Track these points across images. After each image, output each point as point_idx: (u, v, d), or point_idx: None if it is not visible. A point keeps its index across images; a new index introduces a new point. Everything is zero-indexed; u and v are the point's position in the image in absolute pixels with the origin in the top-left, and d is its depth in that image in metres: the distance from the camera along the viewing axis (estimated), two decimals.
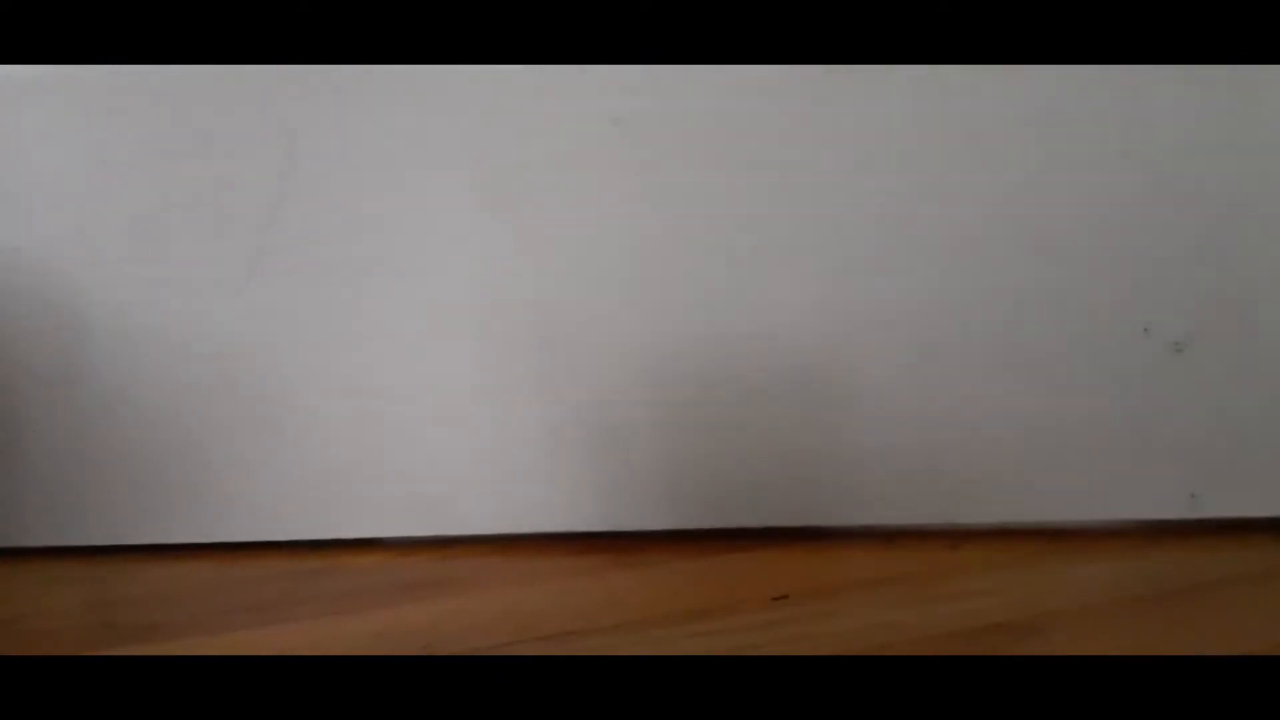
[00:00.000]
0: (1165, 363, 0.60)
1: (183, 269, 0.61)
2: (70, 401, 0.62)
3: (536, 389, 0.61)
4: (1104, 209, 0.59)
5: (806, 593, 0.55)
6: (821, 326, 0.60)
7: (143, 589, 0.59)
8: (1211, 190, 0.59)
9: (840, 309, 0.60)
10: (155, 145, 0.60)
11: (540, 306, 0.61)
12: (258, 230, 0.60)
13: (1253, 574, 0.56)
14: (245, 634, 0.53)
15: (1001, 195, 0.59)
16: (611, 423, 0.62)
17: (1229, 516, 0.61)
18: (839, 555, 0.60)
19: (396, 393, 0.61)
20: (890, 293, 0.60)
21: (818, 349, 0.60)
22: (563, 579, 0.58)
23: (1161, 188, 0.59)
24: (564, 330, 0.61)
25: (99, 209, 0.60)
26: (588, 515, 0.63)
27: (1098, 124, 0.58)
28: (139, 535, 0.63)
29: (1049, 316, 0.60)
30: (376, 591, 0.58)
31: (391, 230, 0.60)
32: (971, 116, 0.58)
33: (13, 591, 0.60)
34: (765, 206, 0.59)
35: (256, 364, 0.62)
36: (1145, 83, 0.58)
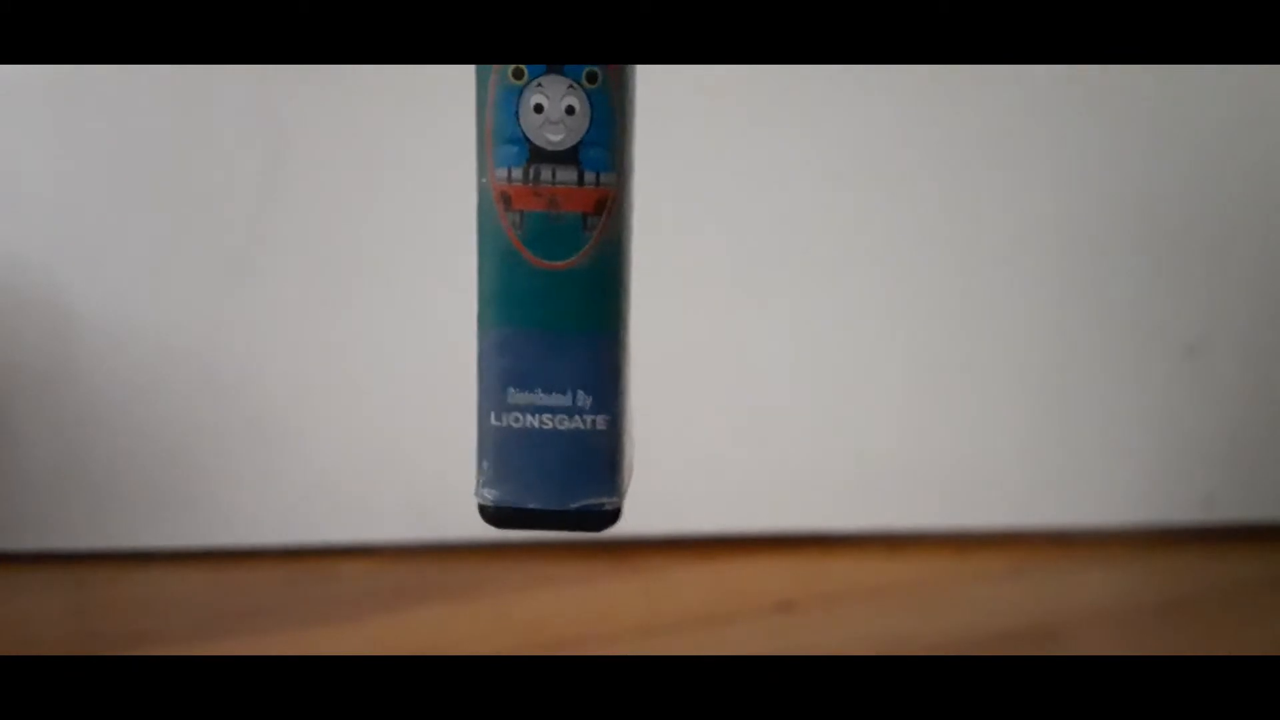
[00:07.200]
0: (1179, 365, 0.60)
1: (172, 270, 0.60)
2: (57, 404, 0.62)
3: None
4: (1117, 211, 0.59)
5: (811, 600, 0.55)
6: (825, 327, 0.60)
7: (130, 595, 0.59)
8: (1225, 192, 0.59)
9: (845, 309, 0.60)
10: (145, 145, 0.60)
11: None
12: (248, 231, 0.60)
13: (1270, 577, 0.56)
14: (235, 641, 0.53)
15: (1013, 197, 0.59)
16: None
17: (1246, 519, 0.61)
18: (844, 562, 0.60)
19: (389, 396, 0.61)
20: (898, 294, 0.60)
21: (820, 350, 0.60)
22: (560, 586, 0.58)
23: (1175, 190, 0.59)
24: None
25: (88, 209, 0.60)
26: None
27: (1110, 125, 0.58)
28: (127, 541, 0.63)
29: (1061, 319, 0.60)
30: (371, 598, 0.57)
31: (384, 231, 0.60)
32: (976, 117, 0.58)
33: None
34: (766, 206, 0.59)
35: (248, 366, 0.61)
36: (1161, 83, 0.58)
